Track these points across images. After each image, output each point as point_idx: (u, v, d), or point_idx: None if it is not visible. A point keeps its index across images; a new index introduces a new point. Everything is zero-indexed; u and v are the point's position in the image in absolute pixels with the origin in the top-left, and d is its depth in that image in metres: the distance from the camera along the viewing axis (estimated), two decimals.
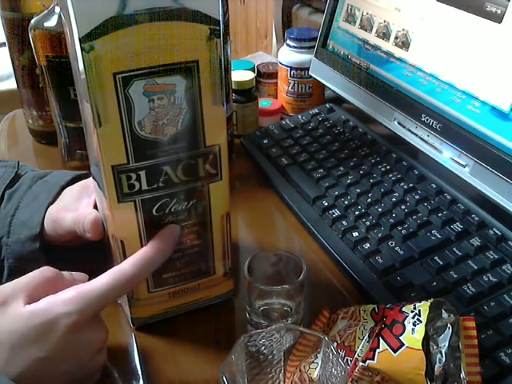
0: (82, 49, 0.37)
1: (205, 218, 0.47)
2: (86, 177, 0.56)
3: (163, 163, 0.43)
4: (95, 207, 0.51)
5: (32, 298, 0.40)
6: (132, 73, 0.39)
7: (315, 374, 0.41)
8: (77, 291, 0.40)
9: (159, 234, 0.45)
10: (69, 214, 0.51)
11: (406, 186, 0.63)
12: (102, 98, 0.39)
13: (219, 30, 0.40)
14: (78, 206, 0.52)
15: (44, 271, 0.42)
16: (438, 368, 0.38)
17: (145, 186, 0.43)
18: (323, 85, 0.81)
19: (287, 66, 0.85)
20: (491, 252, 0.53)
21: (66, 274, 0.44)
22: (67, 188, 0.54)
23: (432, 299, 0.41)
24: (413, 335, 0.39)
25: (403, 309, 0.41)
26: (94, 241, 0.51)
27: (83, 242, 0.52)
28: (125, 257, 0.46)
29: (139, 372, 0.47)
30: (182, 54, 0.40)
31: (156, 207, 0.45)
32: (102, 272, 0.42)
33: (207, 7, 0.39)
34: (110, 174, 0.42)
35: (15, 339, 0.38)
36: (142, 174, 0.43)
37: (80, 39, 0.37)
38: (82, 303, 0.40)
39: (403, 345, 0.39)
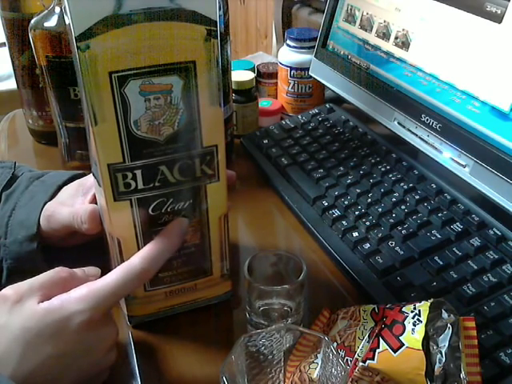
0: (77, 48, 0.37)
1: (202, 218, 0.47)
2: (82, 176, 0.56)
3: (159, 163, 0.43)
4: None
5: (47, 297, 0.40)
6: (128, 72, 0.39)
7: (315, 374, 0.41)
8: (89, 288, 0.40)
9: (167, 227, 0.45)
10: (65, 208, 0.51)
11: (406, 186, 0.63)
12: (98, 96, 0.39)
13: (216, 30, 0.40)
14: (74, 202, 0.52)
15: (58, 271, 0.42)
16: (438, 368, 0.38)
17: (141, 185, 0.43)
18: (323, 85, 0.81)
19: (287, 66, 0.85)
20: (491, 252, 0.53)
21: (78, 271, 0.44)
22: (64, 187, 0.54)
23: (432, 299, 0.41)
24: (413, 335, 0.39)
25: (403, 309, 0.41)
26: (88, 239, 0.52)
27: (78, 239, 0.53)
28: (121, 256, 0.46)
29: (136, 371, 0.47)
30: (178, 55, 0.40)
31: (152, 206, 0.45)
32: (106, 270, 0.43)
33: (204, 8, 0.39)
34: (106, 172, 0.42)
35: (29, 336, 0.38)
36: (138, 173, 0.43)
37: (76, 38, 0.37)
38: (94, 300, 0.40)
39: (403, 345, 0.39)
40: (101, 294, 0.40)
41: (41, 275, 0.42)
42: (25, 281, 0.41)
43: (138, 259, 0.43)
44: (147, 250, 0.43)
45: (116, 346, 0.45)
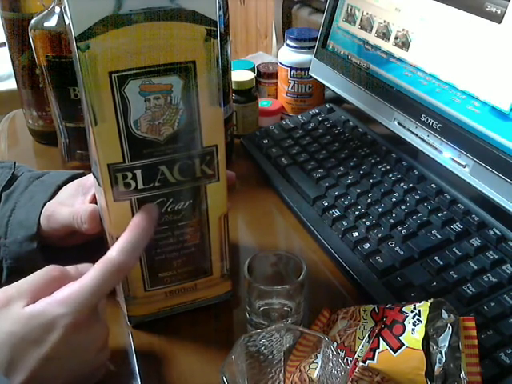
0: (77, 48, 0.37)
1: (202, 218, 0.47)
2: (82, 176, 0.56)
3: (159, 163, 0.43)
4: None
5: (36, 299, 0.39)
6: (128, 72, 0.39)
7: (315, 374, 0.41)
8: (70, 290, 0.40)
9: (138, 212, 0.44)
10: (64, 208, 0.51)
11: (405, 186, 0.63)
12: (98, 96, 0.39)
13: (216, 30, 0.40)
14: (74, 202, 0.52)
15: (49, 271, 0.42)
16: (438, 368, 0.38)
17: (141, 185, 0.43)
18: (323, 85, 0.81)
19: (287, 66, 0.85)
20: (491, 252, 0.53)
21: (71, 269, 0.43)
22: (64, 187, 0.54)
23: (432, 299, 0.41)
24: (413, 335, 0.39)
25: (403, 309, 0.41)
26: (88, 239, 0.52)
27: (78, 239, 0.53)
28: None
29: (136, 371, 0.47)
30: (178, 55, 0.40)
31: None
32: None
33: (204, 8, 0.39)
34: (106, 172, 0.42)
35: (15, 340, 0.38)
36: (138, 173, 0.43)
37: (76, 38, 0.37)
38: (76, 302, 0.39)
39: (403, 345, 0.39)
40: (82, 295, 0.40)
41: (31, 275, 0.41)
42: (15, 283, 0.40)
43: (114, 253, 0.42)
44: (122, 240, 0.42)
45: (108, 345, 0.44)
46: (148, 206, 0.45)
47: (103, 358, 0.44)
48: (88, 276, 0.41)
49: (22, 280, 0.41)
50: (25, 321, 0.38)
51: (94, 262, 0.46)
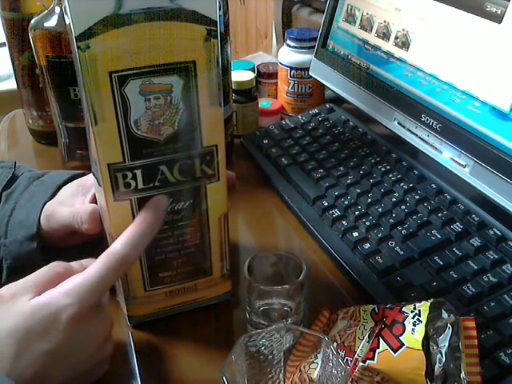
0: (77, 47, 0.37)
1: (202, 218, 0.47)
2: (82, 176, 0.56)
3: (159, 163, 0.43)
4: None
5: (41, 293, 0.40)
6: (128, 72, 0.39)
7: (315, 374, 0.41)
8: (74, 282, 0.40)
9: (145, 207, 0.44)
10: (65, 208, 0.51)
11: (406, 186, 0.63)
12: (98, 96, 0.39)
13: (216, 30, 0.40)
14: (74, 202, 0.52)
15: (53, 267, 0.42)
16: (438, 368, 0.38)
17: (141, 185, 0.44)
18: (323, 85, 0.81)
19: (287, 66, 0.85)
20: (491, 252, 0.53)
21: (75, 264, 0.44)
22: (64, 187, 0.54)
23: (432, 299, 0.41)
24: (413, 335, 0.39)
25: (403, 309, 0.41)
26: (88, 238, 0.52)
27: (78, 239, 0.53)
28: None
29: (136, 371, 0.47)
30: (178, 54, 0.40)
31: None
32: None
33: (204, 7, 0.39)
34: (106, 172, 0.42)
35: (19, 334, 0.38)
36: (138, 172, 0.43)
37: (76, 38, 0.37)
38: (80, 293, 0.39)
39: (403, 345, 0.39)
40: (86, 286, 0.40)
41: (36, 272, 0.41)
42: (19, 280, 0.41)
43: (118, 245, 0.42)
44: (127, 234, 0.42)
45: (112, 338, 0.44)
46: (157, 198, 0.44)
47: (107, 351, 0.44)
48: (92, 268, 0.41)
49: (26, 276, 0.41)
50: (28, 314, 0.38)
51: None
